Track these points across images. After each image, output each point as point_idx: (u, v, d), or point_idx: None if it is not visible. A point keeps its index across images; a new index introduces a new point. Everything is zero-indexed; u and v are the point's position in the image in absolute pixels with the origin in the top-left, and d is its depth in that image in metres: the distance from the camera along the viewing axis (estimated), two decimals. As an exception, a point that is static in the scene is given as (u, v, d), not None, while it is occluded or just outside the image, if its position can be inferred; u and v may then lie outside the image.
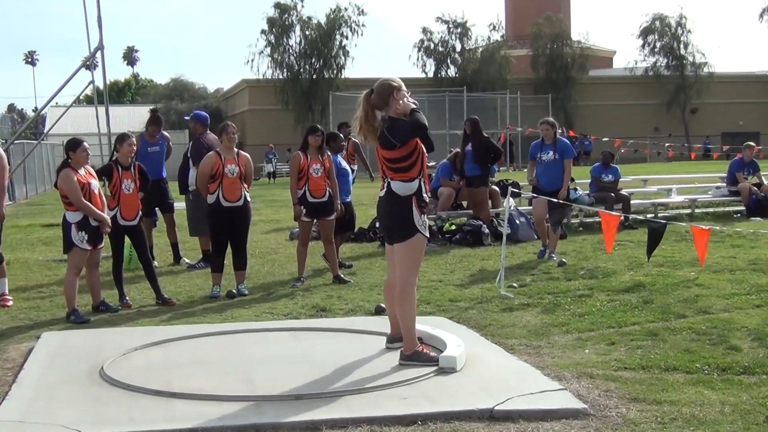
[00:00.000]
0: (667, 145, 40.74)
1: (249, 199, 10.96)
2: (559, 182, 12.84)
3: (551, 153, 12.87)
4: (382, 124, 7.05)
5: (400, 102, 6.98)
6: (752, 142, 20.17)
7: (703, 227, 9.05)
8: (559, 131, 13.61)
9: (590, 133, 56.91)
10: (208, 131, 13.38)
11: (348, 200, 12.65)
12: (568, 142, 13.24)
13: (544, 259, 12.83)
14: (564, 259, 12.55)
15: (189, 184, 13.22)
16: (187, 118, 13.96)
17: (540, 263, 12.58)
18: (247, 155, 11.08)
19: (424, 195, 7.09)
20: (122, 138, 10.44)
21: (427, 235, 7.14)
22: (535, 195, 13.00)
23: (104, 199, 9.97)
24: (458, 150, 16.79)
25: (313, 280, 11.84)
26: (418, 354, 7.00)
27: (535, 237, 15.23)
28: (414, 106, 6.99)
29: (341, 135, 13.04)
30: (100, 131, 15.35)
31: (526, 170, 14.29)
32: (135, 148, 10.52)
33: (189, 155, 13.27)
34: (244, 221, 10.92)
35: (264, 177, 47.14)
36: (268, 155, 47.59)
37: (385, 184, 7.09)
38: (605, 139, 34.88)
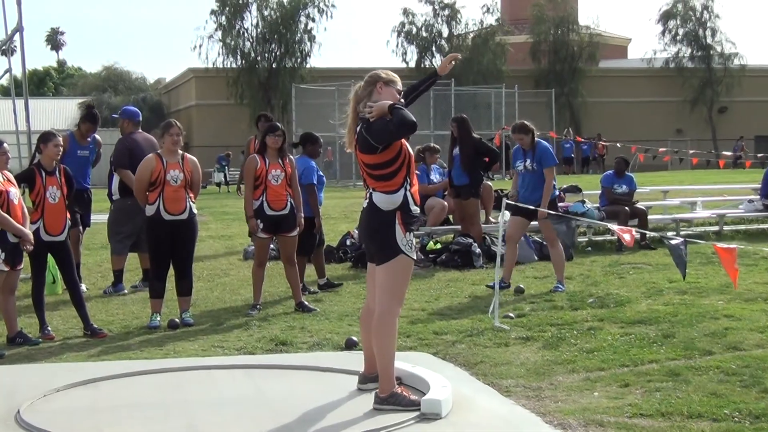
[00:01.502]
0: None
1: (195, 211, 10.92)
2: (538, 196, 12.58)
3: (529, 161, 12.69)
4: (359, 124, 7.06)
5: (375, 106, 6.90)
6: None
7: (729, 246, 9.06)
8: (540, 135, 13.37)
9: (601, 134, 57.23)
10: (139, 130, 13.34)
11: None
12: (548, 147, 12.99)
13: (552, 291, 12.41)
14: (521, 285, 12.56)
15: (111, 193, 13.20)
16: (116, 116, 13.89)
17: (543, 289, 12.60)
18: (194, 159, 11.04)
19: (412, 209, 7.07)
20: (47, 137, 10.37)
21: (414, 256, 7.12)
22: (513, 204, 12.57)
23: (26, 210, 9.91)
24: (429, 144, 16.98)
25: (271, 307, 11.81)
26: (396, 396, 6.99)
27: (535, 258, 15.30)
28: (390, 102, 6.93)
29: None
30: (18, 128, 15.29)
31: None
32: (62, 150, 10.48)
33: (111, 159, 13.26)
34: (189, 237, 10.87)
35: (213, 185, 47.04)
36: (220, 161, 47.38)
37: (368, 195, 7.09)
38: (618, 145, 34.98)
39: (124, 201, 12.97)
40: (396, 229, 6.96)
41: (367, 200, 7.09)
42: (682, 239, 9.12)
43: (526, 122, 12.94)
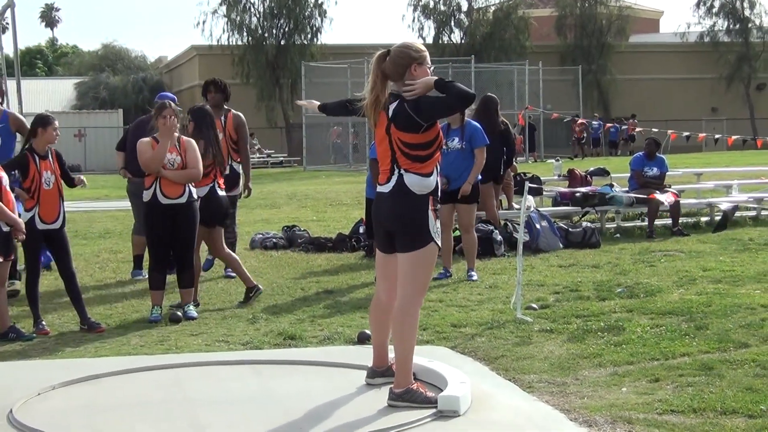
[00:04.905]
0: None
1: (195, 196, 10.91)
2: (468, 177, 12.92)
3: (456, 140, 12.91)
4: (388, 99, 7.04)
5: (417, 84, 6.94)
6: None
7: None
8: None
9: (631, 114, 57.08)
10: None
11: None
12: (479, 126, 13.17)
13: (467, 279, 12.88)
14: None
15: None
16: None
17: (568, 279, 12.60)
18: (191, 140, 10.98)
19: (439, 195, 7.15)
20: (47, 121, 10.38)
21: (440, 244, 7.16)
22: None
23: (12, 198, 9.92)
24: None
25: (279, 299, 11.84)
26: (412, 393, 7.01)
27: (560, 246, 15.31)
28: (435, 77, 6.97)
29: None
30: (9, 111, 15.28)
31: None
32: (58, 135, 10.50)
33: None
34: (189, 223, 10.83)
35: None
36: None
37: (394, 177, 7.05)
38: (654, 130, 34.87)
39: (132, 183, 13.24)
40: (429, 214, 7.00)
41: (394, 182, 7.04)
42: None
43: None
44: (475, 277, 12.87)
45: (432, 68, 7.16)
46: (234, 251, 12.73)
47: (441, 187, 7.28)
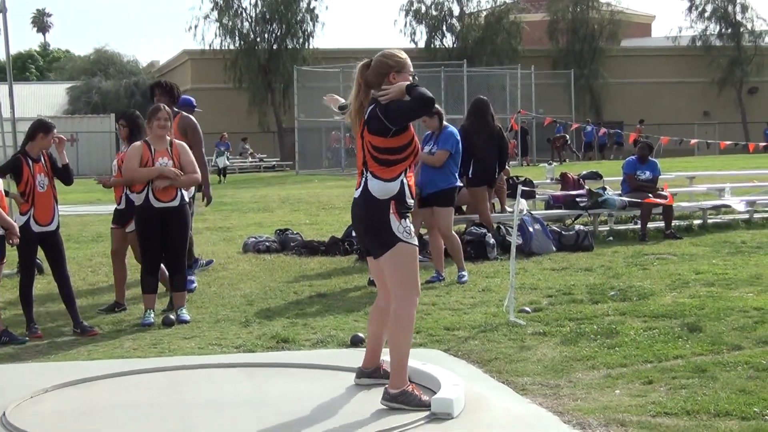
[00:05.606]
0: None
1: (187, 199, 10.89)
2: (441, 182, 12.85)
3: (431, 145, 12.94)
4: (369, 105, 7.09)
5: (390, 89, 6.98)
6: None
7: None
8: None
9: (623, 118, 57.16)
10: (183, 113, 13.03)
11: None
12: (454, 133, 13.09)
13: (458, 282, 12.86)
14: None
15: None
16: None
17: (561, 282, 12.61)
18: (183, 143, 10.96)
19: (408, 201, 7.11)
20: (48, 128, 10.34)
21: (415, 242, 7.14)
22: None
23: (5, 202, 9.91)
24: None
25: (272, 301, 11.83)
26: (406, 395, 7.01)
27: (553, 249, 15.30)
28: (407, 83, 7.00)
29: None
30: (2, 115, 15.28)
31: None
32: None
33: None
34: (180, 227, 10.77)
35: (212, 173, 47.08)
36: (218, 146, 47.43)
37: (363, 181, 7.12)
38: (645, 135, 34.87)
39: None
40: (390, 217, 7.00)
41: (361, 188, 7.12)
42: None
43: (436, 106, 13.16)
44: (465, 278, 12.85)
45: (415, 75, 7.19)
46: None
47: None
